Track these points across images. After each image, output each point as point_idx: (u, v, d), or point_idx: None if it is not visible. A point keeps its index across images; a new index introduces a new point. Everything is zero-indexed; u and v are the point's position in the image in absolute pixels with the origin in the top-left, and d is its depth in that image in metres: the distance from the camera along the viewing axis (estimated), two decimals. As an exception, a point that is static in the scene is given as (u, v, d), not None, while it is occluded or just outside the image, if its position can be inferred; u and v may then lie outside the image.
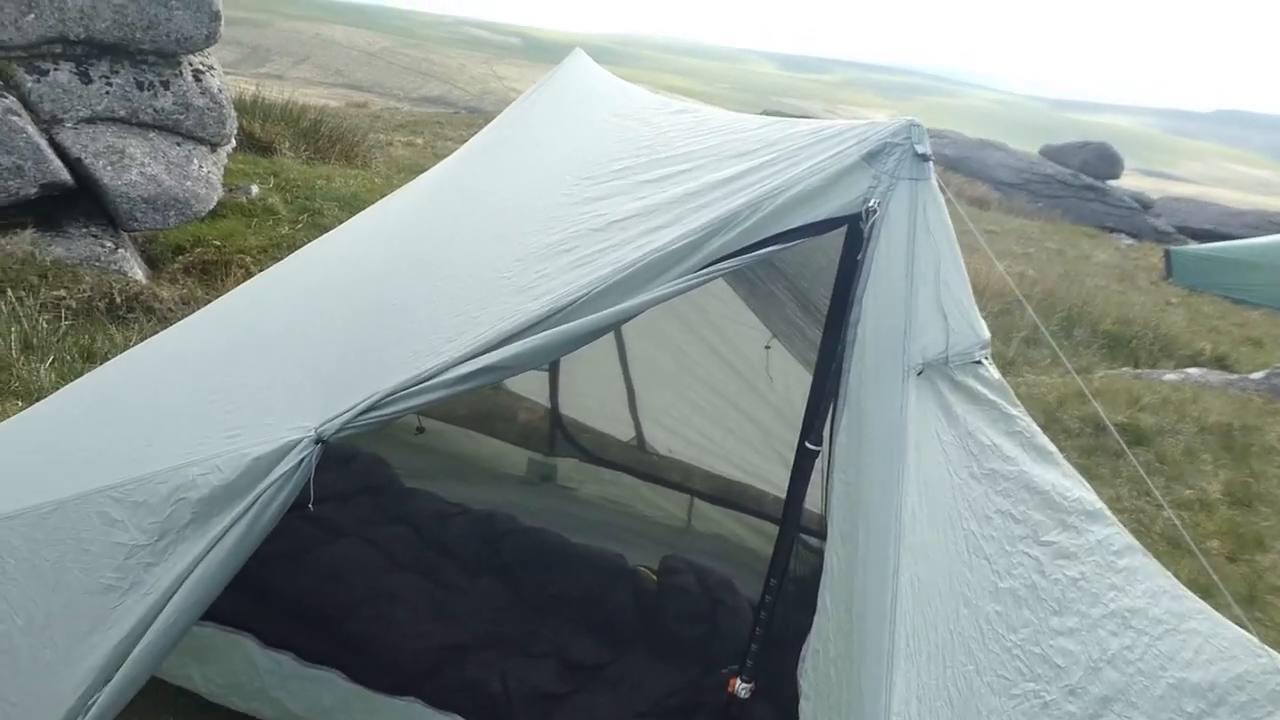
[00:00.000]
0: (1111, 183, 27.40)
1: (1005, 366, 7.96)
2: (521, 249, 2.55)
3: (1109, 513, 2.68)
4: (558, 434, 4.86)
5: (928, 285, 1.98)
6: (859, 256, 2.01)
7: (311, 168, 11.66)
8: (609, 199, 2.52)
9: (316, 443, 2.30)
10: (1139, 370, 7.95)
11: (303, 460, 2.28)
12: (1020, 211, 22.11)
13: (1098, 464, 5.93)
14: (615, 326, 2.12)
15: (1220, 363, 9.00)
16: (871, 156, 2.04)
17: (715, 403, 4.61)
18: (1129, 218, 24.68)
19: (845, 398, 1.99)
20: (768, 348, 3.81)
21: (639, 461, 4.93)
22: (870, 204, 1.98)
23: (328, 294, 3.06)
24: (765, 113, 19.39)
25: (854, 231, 2.04)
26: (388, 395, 2.29)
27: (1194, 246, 16.86)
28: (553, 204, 2.70)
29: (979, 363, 2.14)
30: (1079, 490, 2.55)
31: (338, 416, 2.30)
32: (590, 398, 5.12)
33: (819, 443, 2.10)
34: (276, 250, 7.87)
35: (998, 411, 2.27)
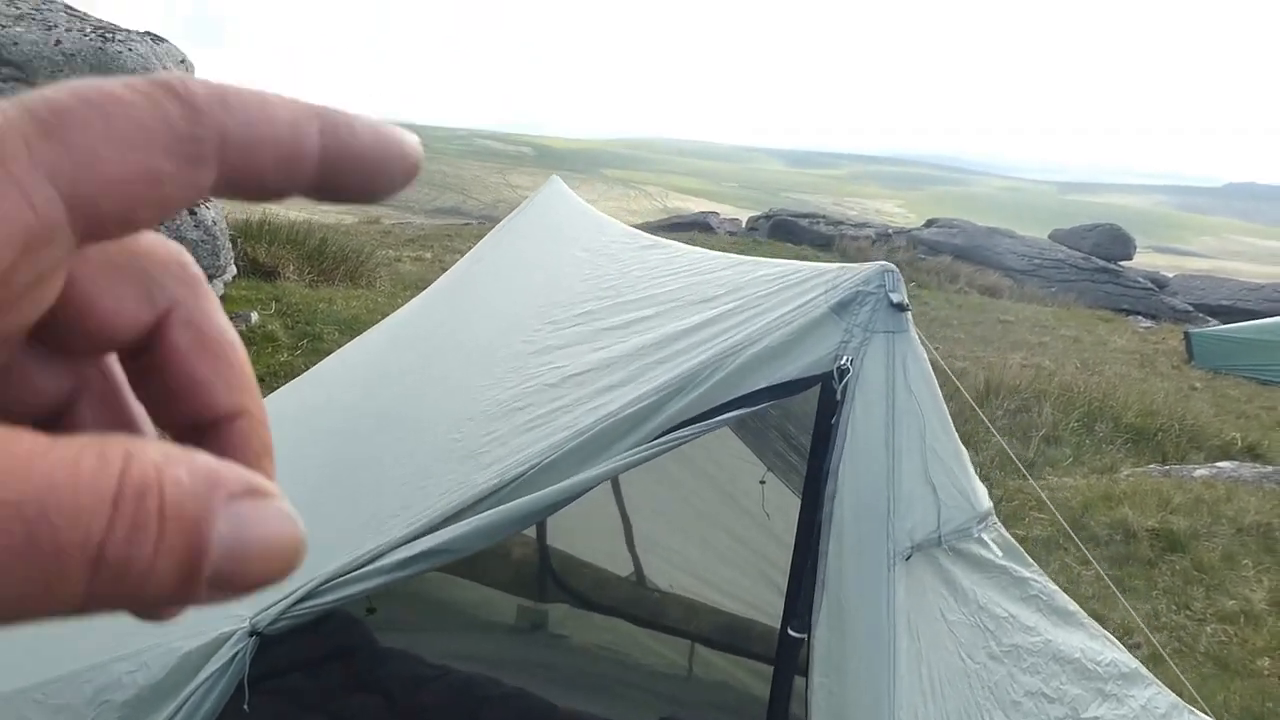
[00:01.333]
0: (1125, 263, 27.27)
1: (1026, 468, 7.65)
2: (475, 405, 2.36)
3: (1145, 671, 2.39)
4: (548, 578, 4.59)
5: (912, 455, 1.75)
6: (833, 420, 1.79)
7: (315, 290, 11.65)
8: (568, 348, 2.33)
9: (251, 635, 2.09)
10: (1167, 466, 7.61)
11: (236, 655, 2.07)
12: (1033, 298, 21.92)
13: (1131, 575, 5.59)
14: (565, 504, 1.90)
15: (1252, 452, 8.65)
16: (842, 307, 1.83)
17: (715, 534, 4.35)
18: (1145, 298, 24.44)
19: (824, 585, 1.74)
20: (762, 482, 3.56)
21: (638, 599, 4.65)
22: (842, 362, 1.77)
23: (280, 449, 2.85)
24: (769, 214, 19.52)
25: (828, 391, 1.82)
26: (326, 581, 2.08)
27: (1214, 328, 16.58)
28: (512, 353, 2.51)
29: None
30: (1111, 651, 2.27)
31: (274, 605, 2.10)
32: (585, 532, 4.87)
33: (804, 629, 1.85)
34: (274, 379, 7.74)
35: (1009, 577, 2.02)
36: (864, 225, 30.32)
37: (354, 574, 2.07)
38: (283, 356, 8.56)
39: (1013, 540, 2.03)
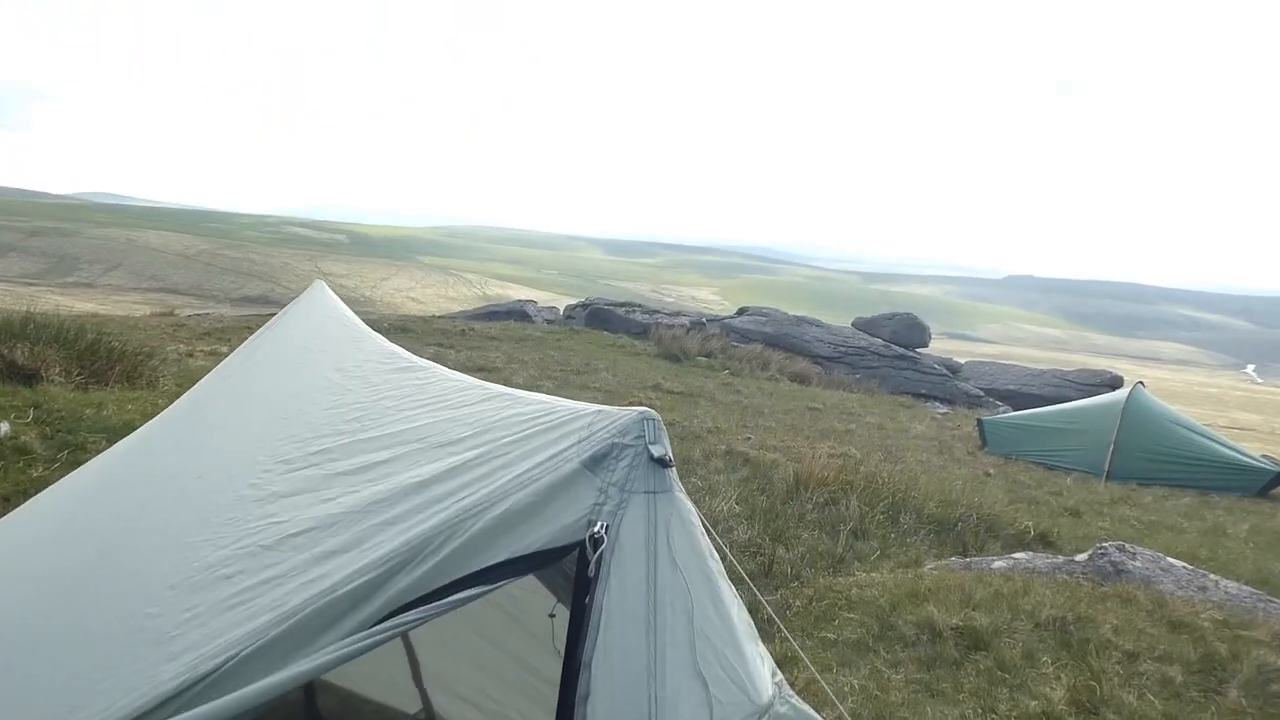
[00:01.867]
0: (921, 350, 28.69)
1: (835, 564, 7.61)
2: (180, 569, 1.95)
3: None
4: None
5: (679, 643, 1.48)
6: (586, 600, 1.50)
7: (84, 394, 10.63)
8: (294, 496, 1.97)
9: None
10: (968, 558, 7.72)
11: None
12: (840, 384, 22.64)
13: (938, 678, 5.51)
14: (263, 708, 1.53)
15: (1044, 539, 8.94)
16: (595, 462, 1.57)
17: (508, 665, 3.98)
18: (940, 383, 25.70)
19: (580, 808, 1.44)
20: (552, 615, 3.24)
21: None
22: (595, 529, 1.50)
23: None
24: (586, 303, 19.39)
25: (582, 563, 1.54)
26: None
27: (1004, 415, 17.47)
28: (236, 498, 2.13)
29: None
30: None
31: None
32: (366, 666, 4.39)
33: None
34: (22, 496, 6.88)
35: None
36: (679, 313, 30.85)
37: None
38: (37, 471, 7.67)
39: (809, 713, 1.77)
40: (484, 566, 1.53)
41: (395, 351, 2.62)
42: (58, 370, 11.00)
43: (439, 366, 2.46)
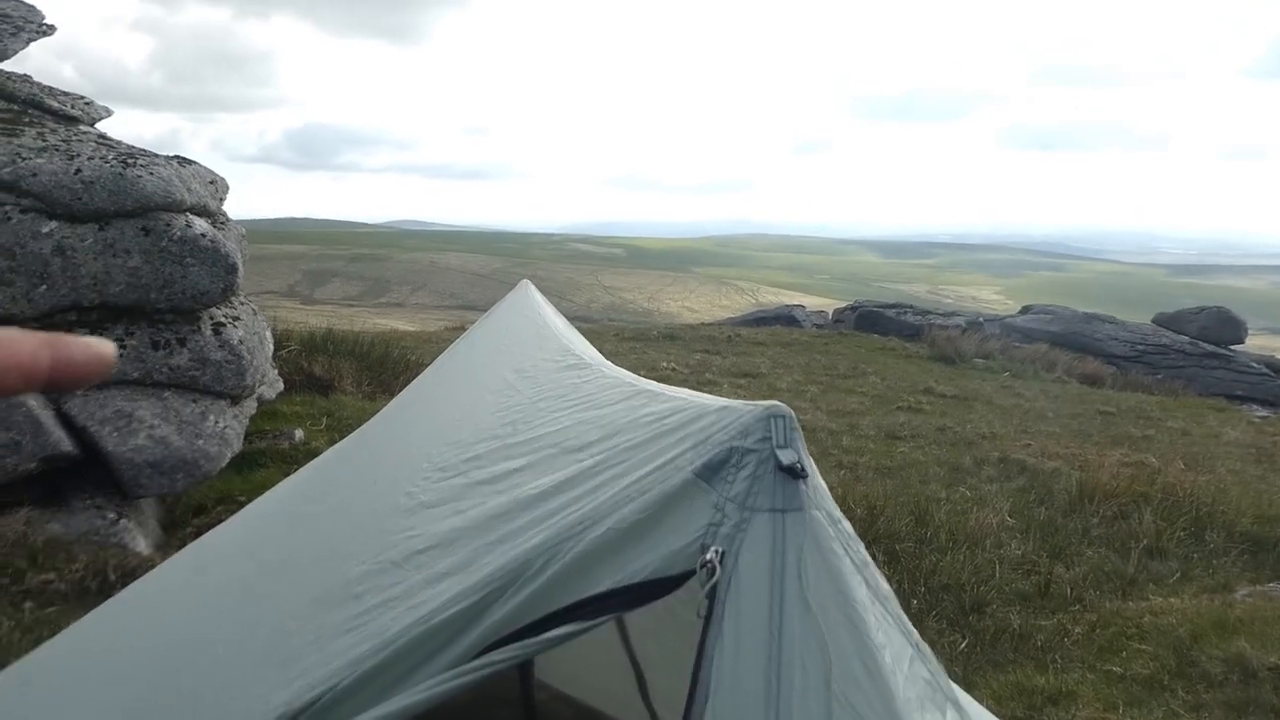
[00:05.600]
0: (1236, 347, 25.66)
1: (1126, 586, 6.76)
2: (327, 583, 1.84)
3: None
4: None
5: (811, 712, 1.14)
6: (702, 644, 1.21)
7: (371, 402, 11.38)
8: (435, 508, 1.81)
9: None
10: (1292, 585, 6.63)
11: None
12: (1137, 386, 20.61)
13: (1252, 727, 4.69)
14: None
15: (1394, 564, 7.57)
16: (711, 472, 1.27)
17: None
18: (1260, 384, 22.82)
19: None
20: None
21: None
22: (708, 556, 1.20)
23: (154, 622, 2.37)
24: (855, 305, 18.82)
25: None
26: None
27: (1341, 415, 15.18)
28: (391, 508, 2.00)
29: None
30: None
31: None
32: (598, 680, 4.25)
33: None
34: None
35: None
36: (953, 314, 29.36)
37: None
38: (321, 475, 8.18)
39: None
40: (582, 598, 1.27)
41: (569, 350, 2.43)
42: (349, 381, 11.87)
43: (606, 363, 2.24)
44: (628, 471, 1.42)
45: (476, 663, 1.29)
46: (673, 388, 1.79)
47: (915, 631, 1.33)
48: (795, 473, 1.25)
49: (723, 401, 1.45)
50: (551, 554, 1.34)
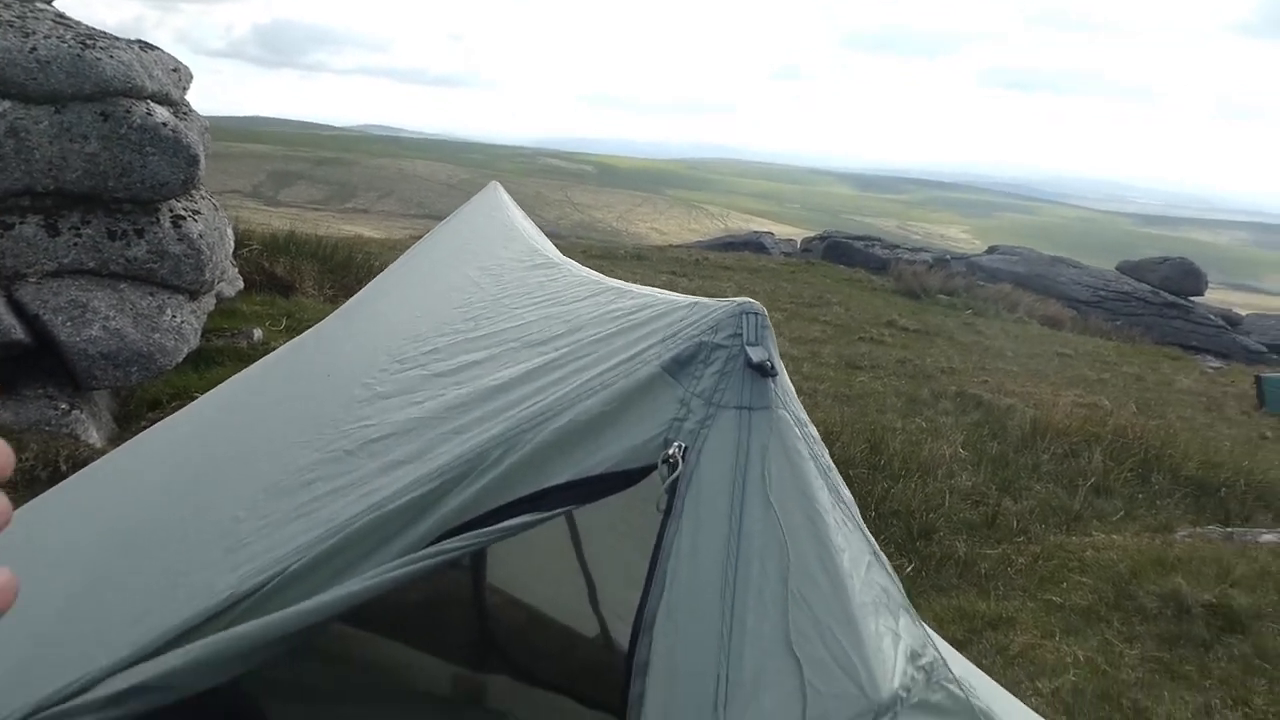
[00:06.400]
0: (1195, 299, 26.00)
1: (1071, 522, 6.91)
2: (278, 472, 1.81)
3: None
4: (488, 645, 4.00)
5: (764, 609, 1.12)
6: (660, 539, 1.19)
7: (332, 305, 11.23)
8: (391, 399, 1.78)
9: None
10: (1230, 528, 6.80)
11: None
12: (1097, 331, 20.87)
13: (1182, 659, 4.85)
14: (297, 638, 1.32)
15: (1329, 512, 7.79)
16: (679, 366, 1.24)
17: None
18: (1215, 336, 23.21)
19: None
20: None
21: (600, 665, 4.04)
22: (670, 450, 1.18)
23: (101, 508, 2.34)
24: (824, 235, 18.77)
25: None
26: (34, 710, 1.56)
27: (1290, 370, 15.48)
28: (348, 399, 1.97)
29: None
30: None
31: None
32: (546, 585, 4.28)
33: None
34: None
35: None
36: (921, 250, 29.45)
37: (63, 706, 1.53)
38: (278, 375, 8.10)
39: (976, 705, 1.36)
40: (539, 489, 1.25)
41: (536, 250, 2.38)
42: (311, 283, 11.73)
43: (573, 263, 2.20)
44: (592, 365, 1.39)
45: (429, 550, 1.27)
46: (642, 286, 1.76)
47: (874, 540, 1.32)
48: (764, 370, 1.23)
49: (693, 298, 1.42)
50: (510, 444, 1.32)
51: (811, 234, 31.34)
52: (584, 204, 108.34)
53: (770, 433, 1.21)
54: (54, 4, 7.95)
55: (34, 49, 6.35)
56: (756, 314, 1.27)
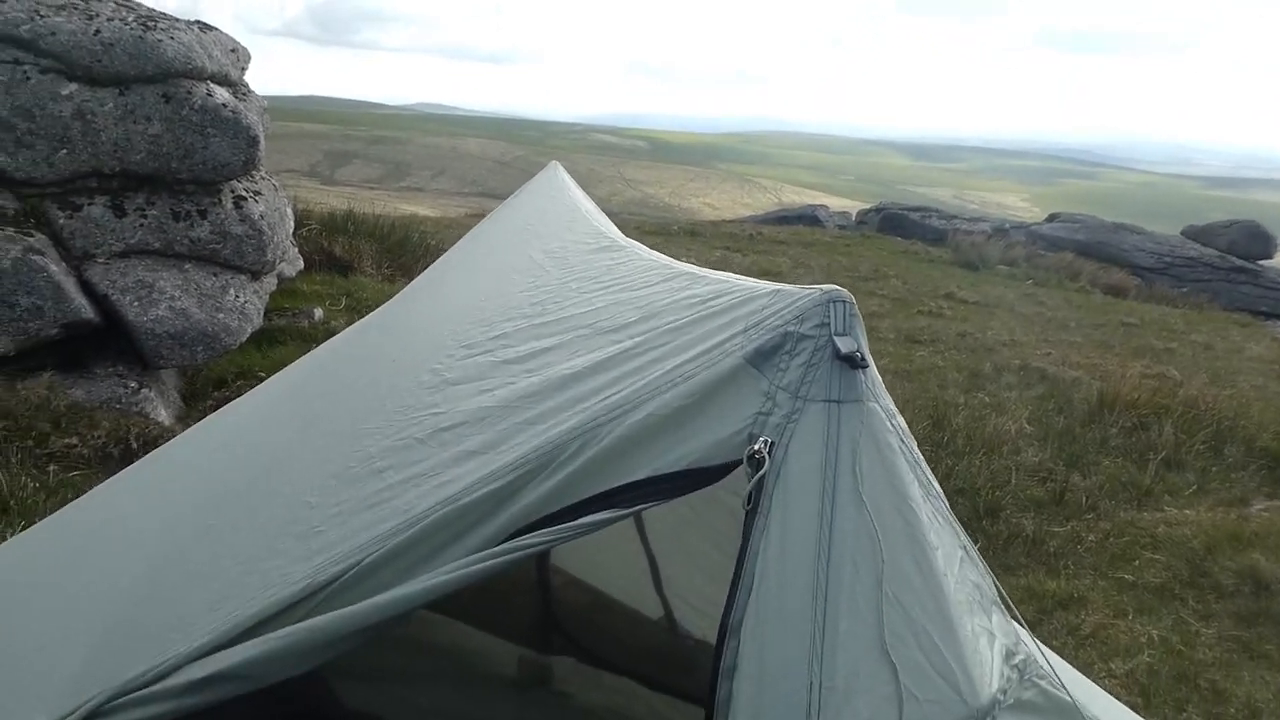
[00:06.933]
0: (1264, 262, 25.22)
1: (1141, 497, 6.75)
2: (348, 458, 1.80)
3: None
4: (553, 627, 4.01)
5: (858, 611, 1.08)
6: (746, 537, 1.15)
7: (390, 285, 11.37)
8: (461, 385, 1.76)
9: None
10: (1310, 502, 6.61)
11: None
12: (1162, 299, 20.35)
13: (1261, 638, 4.72)
14: (376, 626, 1.31)
15: None
16: (763, 358, 1.20)
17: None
18: (1289, 301, 22.52)
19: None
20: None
21: (663, 648, 4.03)
22: (756, 446, 1.14)
23: (173, 491, 2.36)
24: (879, 207, 18.56)
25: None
26: (116, 695, 1.57)
27: (1369, 336, 14.97)
28: (415, 384, 1.96)
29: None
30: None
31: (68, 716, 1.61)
32: (612, 566, 4.28)
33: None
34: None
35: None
36: (979, 220, 28.93)
37: (144, 692, 1.54)
38: (340, 353, 8.18)
39: (1065, 700, 1.32)
40: (618, 485, 1.22)
41: (601, 232, 2.34)
42: (369, 263, 11.82)
43: (639, 246, 2.16)
44: (670, 355, 1.35)
45: (507, 545, 1.25)
46: (715, 271, 1.71)
47: (964, 532, 1.27)
48: (854, 362, 1.18)
49: (774, 285, 1.38)
50: (588, 437, 1.29)
51: (866, 206, 30.95)
52: (636, 180, 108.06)
53: (861, 427, 1.17)
54: (115, -12, 8.06)
55: (98, 31, 6.43)
56: (844, 302, 1.22)
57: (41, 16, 6.34)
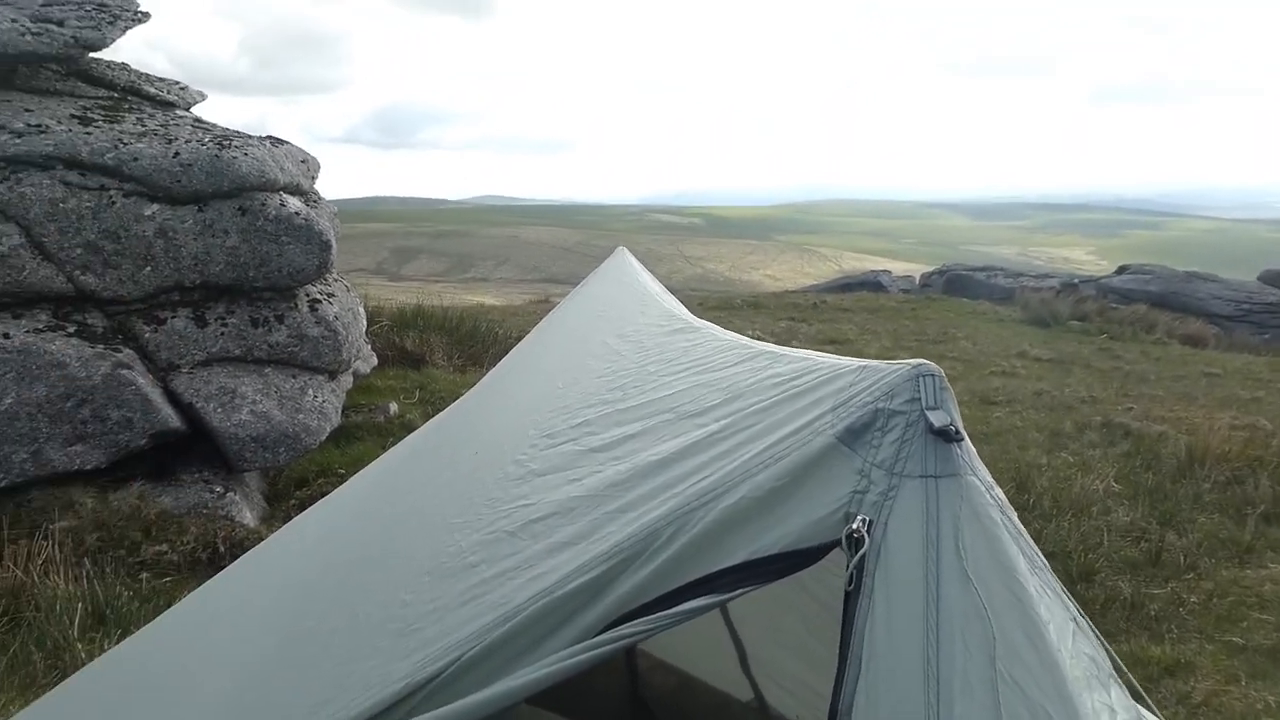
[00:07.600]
0: (1352, 304, 24.39)
1: (1242, 554, 6.48)
2: (439, 554, 1.82)
3: None
4: (640, 710, 3.95)
5: (972, 692, 1.05)
6: (848, 619, 1.14)
7: (462, 376, 11.53)
8: (547, 476, 1.77)
9: None
10: None
11: None
12: (1244, 347, 19.74)
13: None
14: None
15: None
16: (854, 435, 1.19)
17: (830, 659, 3.61)
18: (1378, 342, 21.68)
19: None
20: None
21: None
22: (854, 525, 1.13)
23: (268, 595, 2.40)
24: (943, 269, 18.33)
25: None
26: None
27: None
28: (501, 477, 1.97)
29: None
30: None
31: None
32: (697, 648, 4.21)
33: None
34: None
35: None
36: (1046, 275, 28.55)
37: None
38: (415, 447, 8.28)
39: None
40: (714, 570, 1.21)
41: (674, 314, 2.36)
42: (440, 355, 12.01)
43: (713, 327, 2.17)
44: (759, 436, 1.35)
45: (606, 635, 1.25)
46: (794, 349, 1.72)
47: (1074, 603, 1.24)
48: (949, 435, 1.17)
49: (859, 361, 1.37)
50: (681, 524, 1.29)
51: (930, 268, 30.76)
52: (696, 256, 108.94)
53: (961, 501, 1.15)
54: (192, 110, 8.47)
55: (177, 154, 6.74)
56: (935, 376, 1.21)
57: (124, 144, 6.67)
